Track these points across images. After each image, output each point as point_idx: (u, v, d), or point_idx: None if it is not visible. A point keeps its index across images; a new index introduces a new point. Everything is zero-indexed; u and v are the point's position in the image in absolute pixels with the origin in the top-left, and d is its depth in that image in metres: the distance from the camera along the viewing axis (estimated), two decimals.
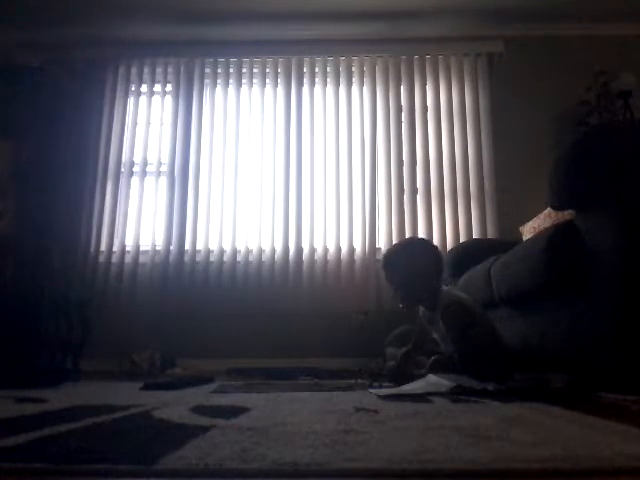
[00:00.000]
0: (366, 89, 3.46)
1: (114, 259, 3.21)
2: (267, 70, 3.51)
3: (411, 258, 1.90)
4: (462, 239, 3.17)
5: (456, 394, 1.36)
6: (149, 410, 1.10)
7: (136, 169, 3.39)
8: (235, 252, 3.21)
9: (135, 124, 3.46)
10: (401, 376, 1.78)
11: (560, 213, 2.01)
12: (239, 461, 0.61)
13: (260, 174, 3.34)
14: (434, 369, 1.71)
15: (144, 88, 3.52)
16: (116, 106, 3.43)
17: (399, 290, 1.90)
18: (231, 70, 3.51)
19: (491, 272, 2.02)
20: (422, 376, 1.71)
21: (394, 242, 3.20)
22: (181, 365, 2.83)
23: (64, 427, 0.86)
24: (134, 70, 3.50)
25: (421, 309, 1.99)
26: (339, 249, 3.21)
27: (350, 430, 0.82)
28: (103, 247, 3.23)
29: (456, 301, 1.84)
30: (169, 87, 3.50)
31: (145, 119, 3.45)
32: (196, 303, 3.09)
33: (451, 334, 1.79)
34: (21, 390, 1.57)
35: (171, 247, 3.24)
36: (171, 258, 3.21)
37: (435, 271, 1.90)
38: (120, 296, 3.14)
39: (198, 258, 3.21)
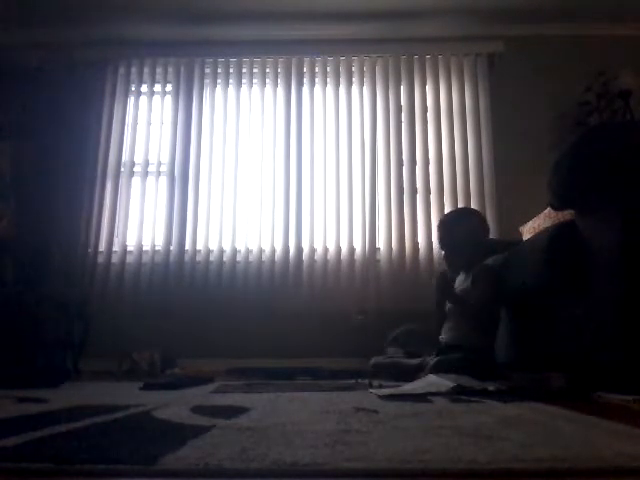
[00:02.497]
0: (366, 89, 3.46)
1: (114, 259, 3.21)
2: (267, 70, 3.51)
3: (465, 225, 2.16)
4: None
5: (456, 394, 1.36)
6: (149, 410, 1.10)
7: (136, 169, 3.39)
8: (235, 252, 3.21)
9: (135, 124, 3.46)
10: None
11: (560, 213, 2.01)
12: (239, 461, 0.61)
13: (260, 174, 3.34)
14: (437, 370, 1.74)
15: (144, 88, 3.52)
16: (116, 106, 3.43)
17: (446, 251, 2.18)
18: (231, 70, 3.51)
19: None
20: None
21: (394, 242, 3.21)
22: (181, 365, 2.83)
23: (64, 427, 0.86)
24: (134, 70, 3.50)
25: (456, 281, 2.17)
26: (339, 249, 3.21)
27: (350, 430, 0.82)
28: (103, 247, 3.23)
29: (492, 268, 2.00)
30: (169, 87, 3.50)
31: (145, 119, 3.45)
32: (196, 303, 3.08)
33: (478, 289, 1.95)
34: (21, 390, 1.57)
35: (171, 247, 3.23)
36: (171, 258, 3.21)
37: (477, 238, 2.13)
38: (120, 296, 3.13)
39: (198, 258, 3.21)
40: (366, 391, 1.54)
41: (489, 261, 2.09)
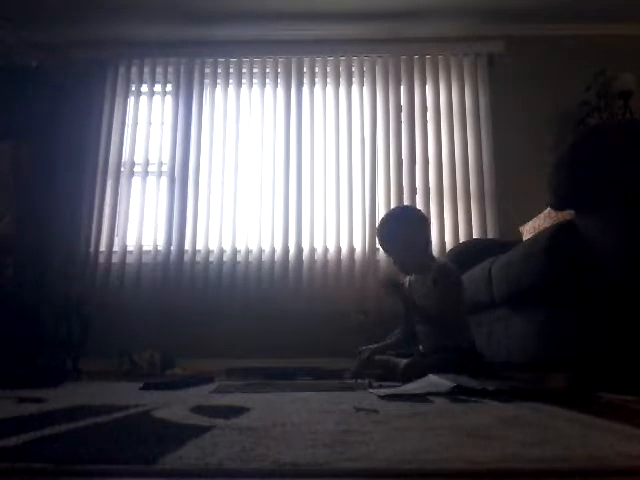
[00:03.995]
0: (366, 89, 3.46)
1: (114, 259, 3.21)
2: (267, 70, 3.51)
3: (398, 227, 2.02)
4: (462, 239, 3.17)
5: (456, 394, 1.36)
6: (149, 410, 1.10)
7: (136, 169, 3.39)
8: (235, 252, 3.21)
9: (135, 124, 3.46)
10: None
11: (560, 213, 2.01)
12: (239, 461, 0.61)
13: (260, 174, 3.34)
14: (407, 373, 1.73)
15: (144, 88, 3.52)
16: (116, 106, 3.43)
17: (394, 257, 2.04)
18: (231, 70, 3.51)
19: (491, 272, 2.02)
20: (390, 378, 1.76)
21: None
22: (181, 365, 2.83)
23: (64, 427, 0.86)
24: (134, 70, 3.50)
25: (408, 280, 2.10)
26: (339, 249, 3.21)
27: (350, 430, 0.81)
28: (103, 247, 3.23)
29: (451, 266, 1.98)
30: (169, 87, 3.50)
31: (145, 119, 3.45)
32: (196, 303, 3.09)
33: (440, 289, 1.89)
34: (21, 390, 1.57)
35: (171, 247, 3.24)
36: (171, 258, 3.21)
37: (422, 235, 2.02)
38: (120, 296, 3.13)
39: (198, 258, 3.21)
40: (366, 391, 1.54)
41: (444, 261, 2.08)
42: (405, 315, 2.12)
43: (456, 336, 1.91)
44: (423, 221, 2.09)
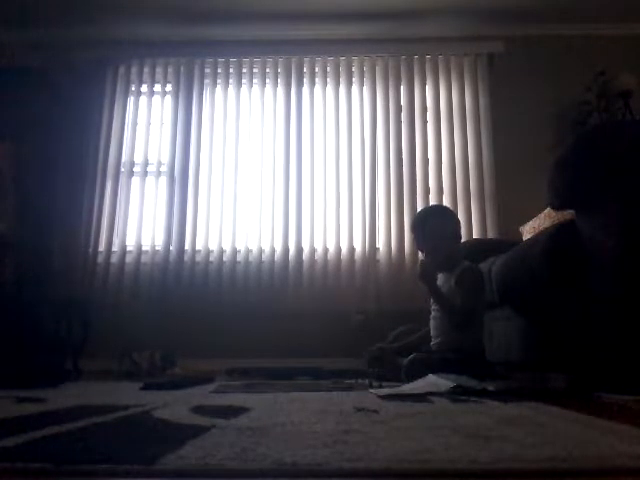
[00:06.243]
0: (366, 89, 3.46)
1: (114, 259, 3.21)
2: (267, 70, 3.51)
3: (436, 221, 2.10)
4: (462, 239, 3.17)
5: (456, 394, 1.36)
6: (149, 410, 1.10)
7: (136, 169, 3.39)
8: (235, 252, 3.21)
9: (135, 124, 3.46)
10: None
11: (560, 213, 2.01)
12: (239, 461, 0.61)
13: (260, 174, 3.34)
14: (410, 370, 1.73)
15: (144, 88, 3.52)
16: (116, 106, 3.43)
17: (425, 251, 2.11)
18: (231, 70, 3.51)
19: (491, 272, 2.02)
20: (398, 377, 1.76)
21: (393, 242, 3.21)
22: (181, 365, 2.83)
23: (64, 427, 0.86)
24: (134, 70, 3.50)
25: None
26: (339, 249, 3.21)
27: (350, 430, 0.82)
28: (103, 247, 3.23)
29: (477, 270, 2.01)
30: (169, 87, 3.50)
31: (145, 119, 3.45)
32: (196, 303, 3.08)
33: (464, 289, 1.92)
34: (21, 390, 1.57)
35: (171, 247, 3.23)
36: (171, 258, 3.20)
37: (452, 228, 2.08)
38: (120, 296, 3.13)
39: (198, 258, 3.21)
40: (366, 391, 1.54)
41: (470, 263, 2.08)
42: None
43: (467, 338, 1.91)
44: (454, 217, 2.22)
